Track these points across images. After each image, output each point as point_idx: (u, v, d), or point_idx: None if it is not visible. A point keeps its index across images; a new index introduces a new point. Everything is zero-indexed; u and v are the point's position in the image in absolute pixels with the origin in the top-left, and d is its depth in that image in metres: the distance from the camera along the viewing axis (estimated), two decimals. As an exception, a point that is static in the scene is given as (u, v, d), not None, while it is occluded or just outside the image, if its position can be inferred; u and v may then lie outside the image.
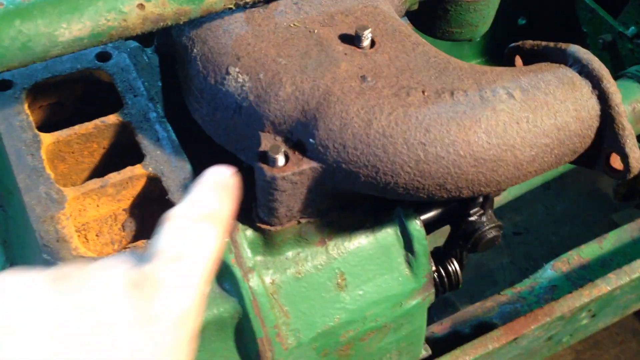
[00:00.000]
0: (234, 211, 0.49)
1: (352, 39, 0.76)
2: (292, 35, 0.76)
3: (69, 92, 0.94)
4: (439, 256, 0.99)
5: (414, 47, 0.76)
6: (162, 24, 0.69)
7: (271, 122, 0.72)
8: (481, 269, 1.91)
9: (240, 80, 0.73)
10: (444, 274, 0.98)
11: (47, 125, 0.94)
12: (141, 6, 0.66)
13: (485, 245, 0.95)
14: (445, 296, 1.51)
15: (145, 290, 0.40)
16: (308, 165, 0.71)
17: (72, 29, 0.64)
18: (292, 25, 0.77)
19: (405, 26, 0.79)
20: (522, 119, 0.69)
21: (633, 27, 1.47)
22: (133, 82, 0.89)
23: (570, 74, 0.73)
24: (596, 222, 1.94)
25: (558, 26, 1.63)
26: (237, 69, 0.74)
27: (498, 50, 1.66)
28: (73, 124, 0.87)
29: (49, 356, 0.35)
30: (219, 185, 0.49)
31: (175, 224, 0.45)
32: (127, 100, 0.87)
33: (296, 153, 0.72)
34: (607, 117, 0.72)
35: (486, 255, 1.89)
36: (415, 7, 0.94)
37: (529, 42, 0.80)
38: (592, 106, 0.72)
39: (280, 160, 0.70)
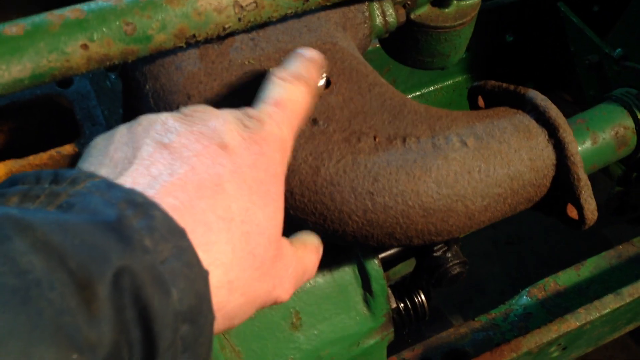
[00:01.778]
0: (318, 80, 0.63)
1: (306, 79, 0.74)
2: (245, 75, 0.74)
3: (30, 117, 0.93)
4: (406, 287, 0.98)
5: (370, 88, 0.74)
6: (108, 63, 0.68)
7: (221, 163, 0.71)
8: (470, 278, 1.90)
9: (190, 120, 0.72)
10: (410, 306, 0.97)
11: (8, 150, 0.93)
12: (85, 46, 0.65)
13: (449, 281, 0.93)
14: (434, 305, 1.49)
15: (254, 123, 0.53)
16: (256, 210, 0.69)
17: (11, 70, 0.63)
18: (246, 62, 0.75)
19: (365, 65, 0.78)
20: (474, 169, 0.68)
21: (619, 49, 1.44)
22: (92, 109, 0.88)
23: (527, 121, 0.71)
24: (587, 233, 1.92)
25: (546, 44, 1.61)
26: (187, 109, 0.72)
27: (485, 66, 1.65)
28: (36, 149, 0.86)
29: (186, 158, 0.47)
30: (309, 58, 0.63)
31: (273, 80, 0.59)
32: (85, 129, 0.86)
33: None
34: (563, 167, 0.70)
35: (476, 264, 1.88)
36: (386, 36, 0.92)
37: (491, 83, 0.78)
38: (548, 155, 0.70)
39: (228, 204, 0.69)
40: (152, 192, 0.44)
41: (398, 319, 0.93)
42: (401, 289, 0.97)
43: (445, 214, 0.67)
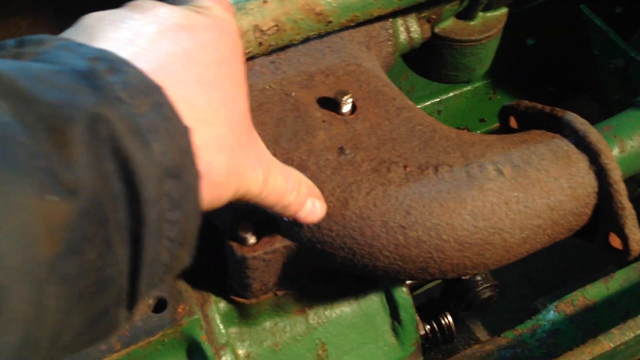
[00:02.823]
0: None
1: (331, 104, 0.71)
2: (267, 98, 0.71)
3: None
4: (433, 308, 0.94)
5: (398, 113, 0.71)
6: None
7: (243, 195, 0.68)
8: (490, 281, 1.86)
9: (210, 149, 0.69)
10: (436, 328, 0.94)
11: None
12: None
13: (479, 305, 0.90)
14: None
15: (203, 9, 0.49)
16: (281, 244, 0.66)
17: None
18: (267, 87, 0.72)
19: (390, 86, 0.74)
20: (512, 199, 0.64)
21: (647, 53, 1.40)
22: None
23: (566, 146, 0.68)
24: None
25: (568, 47, 1.57)
26: (207, 137, 0.69)
27: (505, 71, 1.60)
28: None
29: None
30: None
31: None
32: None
33: (269, 229, 0.67)
34: (606, 195, 0.66)
35: (498, 268, 1.84)
36: (407, 51, 0.89)
37: (524, 104, 0.75)
38: (589, 183, 0.66)
39: (251, 238, 0.66)
40: (124, 54, 0.41)
41: (424, 342, 0.90)
42: (428, 310, 0.94)
43: (481, 248, 0.64)
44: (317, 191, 0.61)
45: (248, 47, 0.67)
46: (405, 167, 0.66)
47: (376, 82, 0.74)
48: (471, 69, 0.97)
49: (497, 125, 1.50)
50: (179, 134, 0.39)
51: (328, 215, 0.64)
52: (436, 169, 0.65)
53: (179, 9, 0.48)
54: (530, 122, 0.74)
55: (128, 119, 0.36)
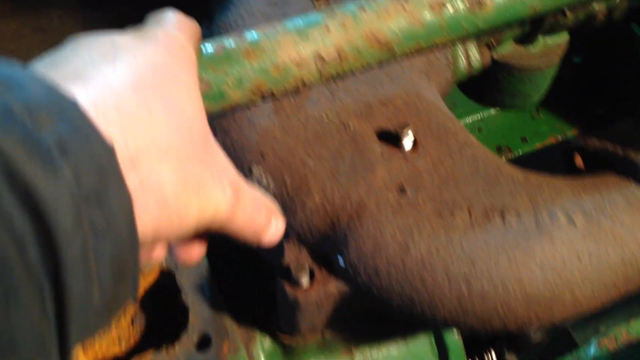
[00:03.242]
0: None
1: (391, 137, 0.67)
2: (324, 129, 0.67)
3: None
4: (478, 343, 0.91)
5: (461, 150, 0.67)
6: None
7: (296, 232, 0.64)
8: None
9: (264, 182, 0.65)
10: (480, 365, 0.90)
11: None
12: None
13: (529, 348, 0.86)
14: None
15: (140, 28, 0.46)
16: (335, 287, 0.62)
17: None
18: (324, 117, 0.68)
19: (452, 119, 0.70)
20: (584, 252, 0.60)
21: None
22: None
23: (642, 195, 0.63)
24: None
25: (617, 67, 1.51)
26: (260, 169, 0.65)
27: (550, 89, 1.55)
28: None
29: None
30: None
31: (151, 15, 0.50)
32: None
33: (322, 270, 0.63)
34: (683, 250, 0.62)
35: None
36: (465, 78, 0.85)
37: (593, 144, 0.70)
38: (666, 236, 0.62)
39: (304, 280, 0.62)
40: (31, 69, 0.36)
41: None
42: (473, 345, 0.90)
43: (549, 303, 0.60)
44: (275, 207, 0.51)
45: (308, 76, 0.64)
46: (469, 211, 0.62)
47: (437, 114, 0.70)
48: (527, 96, 0.93)
49: (539, 145, 1.46)
50: (97, 150, 0.33)
51: (387, 260, 0.60)
52: (503, 215, 0.62)
53: (119, 33, 0.44)
54: (599, 162, 0.70)
55: (27, 140, 0.30)
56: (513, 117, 1.52)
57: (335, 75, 0.66)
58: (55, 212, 0.30)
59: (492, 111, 1.51)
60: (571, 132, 1.41)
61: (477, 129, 1.56)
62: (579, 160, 0.73)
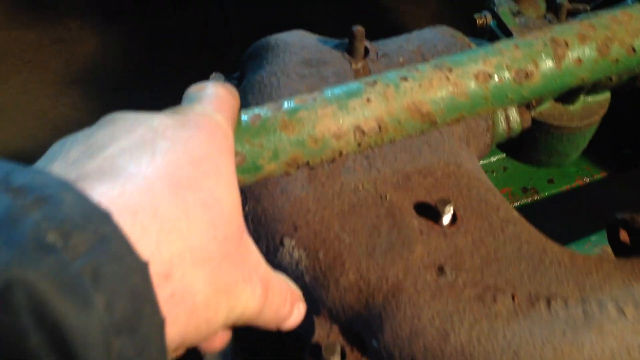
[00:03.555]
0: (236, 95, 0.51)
1: (429, 211, 0.64)
2: (359, 201, 0.65)
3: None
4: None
5: (503, 227, 0.64)
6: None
7: (328, 308, 0.61)
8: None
9: (295, 255, 0.62)
10: None
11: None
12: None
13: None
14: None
15: (178, 111, 0.44)
16: (368, 372, 0.59)
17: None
18: (360, 187, 0.65)
19: (494, 192, 0.67)
20: (635, 347, 0.57)
21: None
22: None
23: (696, 284, 0.60)
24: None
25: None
26: (293, 242, 0.63)
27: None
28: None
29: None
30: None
31: (190, 89, 0.49)
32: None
33: (354, 351, 0.60)
34: None
35: None
36: (504, 141, 0.82)
37: (639, 221, 0.67)
38: None
39: (335, 361, 0.59)
40: (64, 171, 0.35)
41: None
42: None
43: (596, 399, 0.56)
44: (299, 294, 0.50)
45: (346, 148, 0.61)
46: (513, 297, 0.59)
47: (478, 187, 0.67)
48: (565, 155, 0.90)
49: (566, 187, 1.42)
50: (131, 273, 0.31)
51: (425, 347, 0.57)
52: (549, 303, 0.58)
53: (156, 114, 0.42)
54: (647, 241, 0.66)
55: (57, 272, 0.29)
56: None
57: (374, 145, 0.64)
58: (84, 352, 0.29)
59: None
60: (599, 175, 1.37)
61: (502, 168, 1.53)
62: (624, 236, 0.70)
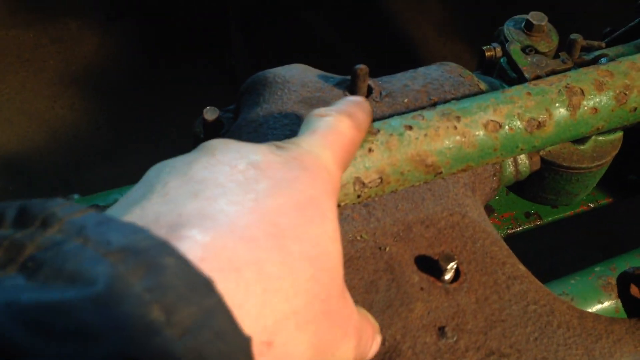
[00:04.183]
0: (367, 122, 0.52)
1: (431, 266, 0.61)
2: (358, 253, 0.61)
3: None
4: None
5: (509, 284, 0.61)
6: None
7: (321, 368, 0.58)
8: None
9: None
10: None
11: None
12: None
13: None
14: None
15: (287, 145, 0.42)
16: None
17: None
18: (359, 237, 0.62)
19: (500, 245, 0.64)
20: (646, 422, 0.54)
21: None
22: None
23: None
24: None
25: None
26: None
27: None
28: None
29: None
30: (353, 99, 0.52)
31: (310, 118, 0.47)
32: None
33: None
34: None
35: None
36: (512, 183, 0.78)
37: (653, 279, 0.64)
38: None
39: None
40: (164, 225, 0.32)
41: None
42: None
43: None
44: (376, 325, 0.49)
45: (345, 200, 0.58)
46: (518, 363, 0.55)
47: (483, 239, 0.63)
48: (573, 195, 0.86)
49: (570, 213, 1.39)
50: (234, 350, 0.30)
51: (423, 417, 0.54)
52: (556, 371, 0.55)
53: (259, 147, 0.40)
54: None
55: (163, 355, 0.27)
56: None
57: (374, 196, 0.60)
58: None
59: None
60: (604, 200, 1.34)
61: (505, 192, 1.50)
62: (634, 290, 0.67)
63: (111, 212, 0.35)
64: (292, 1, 2.49)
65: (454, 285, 0.60)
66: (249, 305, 0.32)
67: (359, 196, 0.58)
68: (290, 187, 0.38)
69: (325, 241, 0.38)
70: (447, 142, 0.59)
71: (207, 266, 0.31)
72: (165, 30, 2.41)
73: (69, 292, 0.27)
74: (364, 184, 0.57)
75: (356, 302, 0.59)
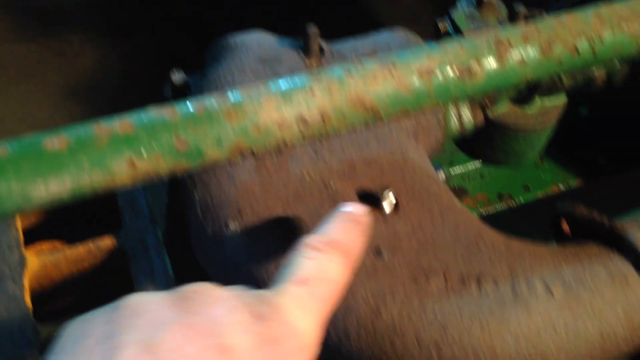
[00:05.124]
0: (363, 247, 0.50)
1: (371, 199, 0.67)
2: (304, 188, 0.67)
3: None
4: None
5: (443, 214, 0.67)
6: (154, 177, 0.61)
7: (267, 287, 0.64)
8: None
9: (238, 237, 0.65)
10: None
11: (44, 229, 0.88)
12: (131, 163, 0.59)
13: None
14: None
15: (269, 311, 0.41)
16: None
17: (49, 187, 0.57)
18: (306, 175, 0.68)
19: (437, 183, 0.70)
20: (560, 324, 0.59)
21: None
22: (136, 197, 0.83)
23: (625, 268, 0.62)
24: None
25: (623, 118, 1.49)
26: (237, 225, 0.66)
27: (554, 137, 1.54)
28: (73, 233, 0.81)
29: None
30: (351, 219, 0.50)
31: (302, 250, 0.46)
32: (127, 219, 0.81)
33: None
34: (665, 326, 0.60)
35: None
36: (457, 138, 0.85)
37: (581, 211, 0.69)
38: (648, 311, 0.61)
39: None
40: None
41: None
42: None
43: (522, 374, 0.59)
44: None
45: (290, 137, 0.64)
46: (445, 277, 0.61)
47: (422, 178, 0.70)
48: (521, 155, 0.92)
49: (541, 194, 1.44)
50: None
51: (357, 322, 0.60)
52: (479, 282, 0.61)
53: (238, 310, 0.40)
54: (587, 231, 0.69)
55: None
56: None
57: (318, 136, 0.66)
58: None
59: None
60: (574, 182, 1.40)
61: (479, 175, 1.55)
62: (565, 226, 0.72)
63: None
64: None
65: (392, 215, 0.66)
66: None
67: (303, 135, 0.65)
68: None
69: None
70: (383, 87, 0.66)
71: None
72: (166, 45, 2.50)
73: None
74: (307, 122, 0.64)
75: (301, 227, 0.65)
